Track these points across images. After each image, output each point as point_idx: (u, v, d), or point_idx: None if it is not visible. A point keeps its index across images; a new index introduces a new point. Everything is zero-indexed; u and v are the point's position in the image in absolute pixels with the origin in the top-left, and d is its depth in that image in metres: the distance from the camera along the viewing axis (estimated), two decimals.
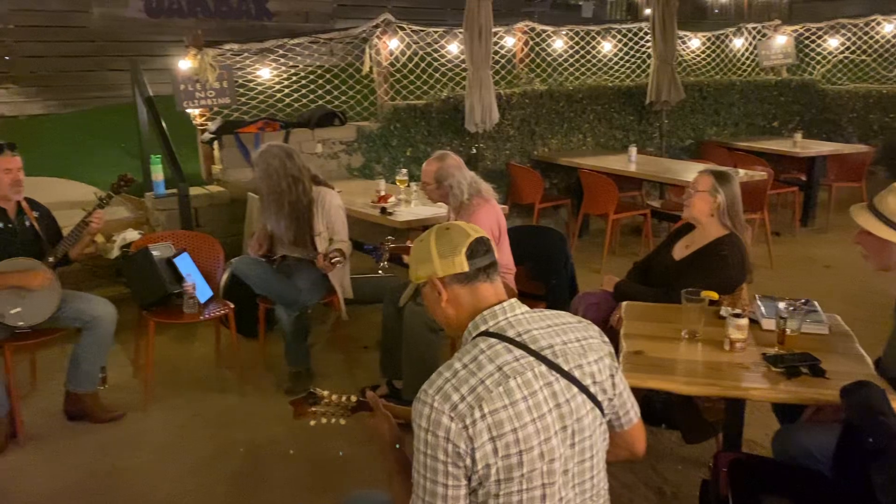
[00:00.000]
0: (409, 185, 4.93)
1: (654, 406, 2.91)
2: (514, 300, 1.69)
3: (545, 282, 3.99)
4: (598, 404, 1.63)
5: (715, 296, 2.79)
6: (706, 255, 3.14)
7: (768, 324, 2.74)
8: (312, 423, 1.94)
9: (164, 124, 5.42)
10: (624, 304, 3.05)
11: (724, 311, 2.79)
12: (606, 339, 1.74)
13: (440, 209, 4.61)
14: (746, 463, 2.28)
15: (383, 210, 4.51)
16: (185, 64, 5.56)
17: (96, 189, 6.21)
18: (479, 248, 1.69)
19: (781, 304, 2.71)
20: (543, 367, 1.57)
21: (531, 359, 1.57)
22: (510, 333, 1.61)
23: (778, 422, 2.77)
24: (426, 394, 1.54)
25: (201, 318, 3.99)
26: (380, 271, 3.53)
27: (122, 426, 3.70)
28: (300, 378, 4.04)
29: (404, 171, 5.07)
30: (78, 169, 6.87)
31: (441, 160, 3.69)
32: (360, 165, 6.28)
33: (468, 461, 1.49)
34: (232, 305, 4.06)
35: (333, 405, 1.94)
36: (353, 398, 1.95)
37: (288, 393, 3.96)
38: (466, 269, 1.66)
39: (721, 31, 8.54)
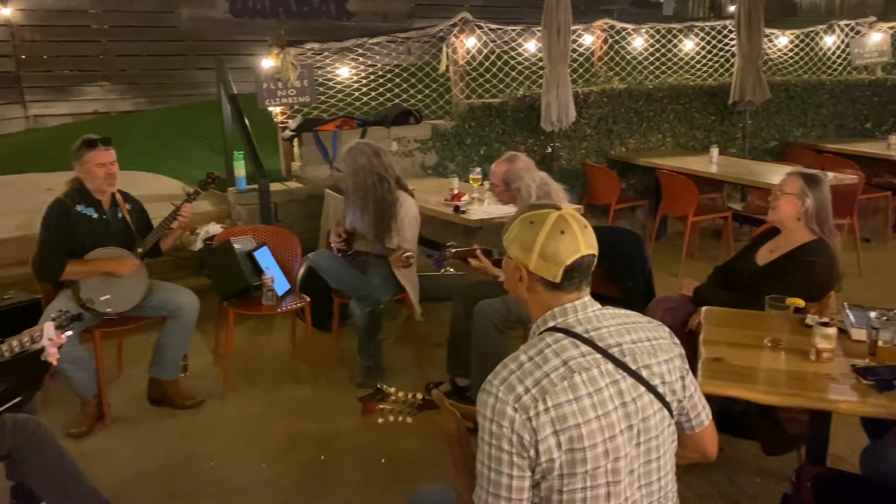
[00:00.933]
0: (482, 184, 4.92)
1: (732, 415, 2.82)
2: (587, 298, 1.67)
3: (621, 284, 3.91)
4: (666, 405, 1.60)
5: (801, 303, 2.68)
6: (792, 261, 3.02)
7: (858, 334, 2.61)
8: (380, 420, 1.95)
9: (247, 121, 5.57)
10: (703, 308, 2.96)
11: (810, 319, 2.68)
12: (677, 341, 1.70)
13: (514, 209, 4.60)
14: (832, 478, 2.19)
15: (456, 208, 4.51)
16: (267, 63, 5.70)
17: (183, 184, 6.46)
18: (582, 266, 1.63)
19: (873, 314, 2.57)
20: (610, 365, 1.55)
21: (598, 356, 1.56)
22: (578, 330, 1.60)
23: (867, 437, 2.64)
24: (491, 384, 1.55)
25: (279, 310, 4.10)
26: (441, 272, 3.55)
27: (200, 413, 3.83)
28: (372, 372, 4.09)
29: (478, 169, 5.06)
30: (165, 164, 7.15)
31: (510, 162, 3.67)
32: (433, 164, 6.31)
33: (532, 452, 1.49)
34: (308, 299, 4.15)
35: (400, 402, 1.95)
36: (420, 396, 1.96)
37: (360, 386, 4.02)
38: (559, 281, 1.63)
39: (811, 29, 8.22)
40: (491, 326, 3.47)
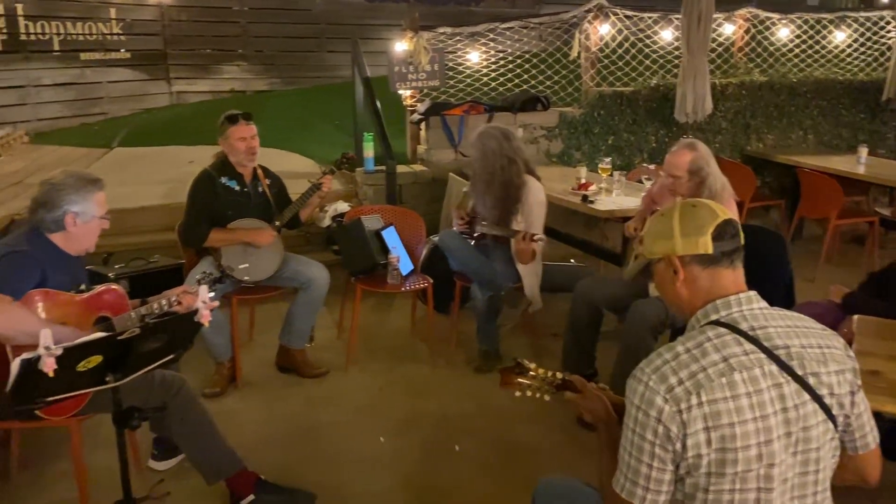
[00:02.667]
0: (611, 175, 4.80)
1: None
2: (753, 293, 1.59)
3: (757, 286, 3.70)
4: (832, 417, 1.50)
5: None
6: None
7: None
8: (518, 394, 1.95)
9: (378, 104, 5.68)
10: (856, 317, 2.77)
11: None
12: (852, 354, 1.59)
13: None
14: None
15: (585, 198, 4.43)
16: (400, 46, 5.78)
17: (313, 161, 6.68)
18: (727, 231, 1.60)
19: None
20: (774, 367, 1.47)
21: (762, 356, 1.48)
22: (743, 326, 1.52)
23: None
24: (642, 371, 1.50)
25: (403, 289, 4.17)
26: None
27: (325, 383, 3.95)
28: (489, 357, 4.09)
29: (608, 159, 4.94)
30: (296, 142, 7.41)
31: (693, 149, 3.39)
32: (558, 152, 6.22)
33: (678, 446, 1.44)
34: (431, 280, 4.19)
35: (539, 379, 1.94)
36: (560, 375, 1.93)
37: (478, 371, 4.04)
38: (710, 250, 1.58)
39: None
40: (646, 328, 3.32)
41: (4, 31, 8.42)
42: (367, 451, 3.31)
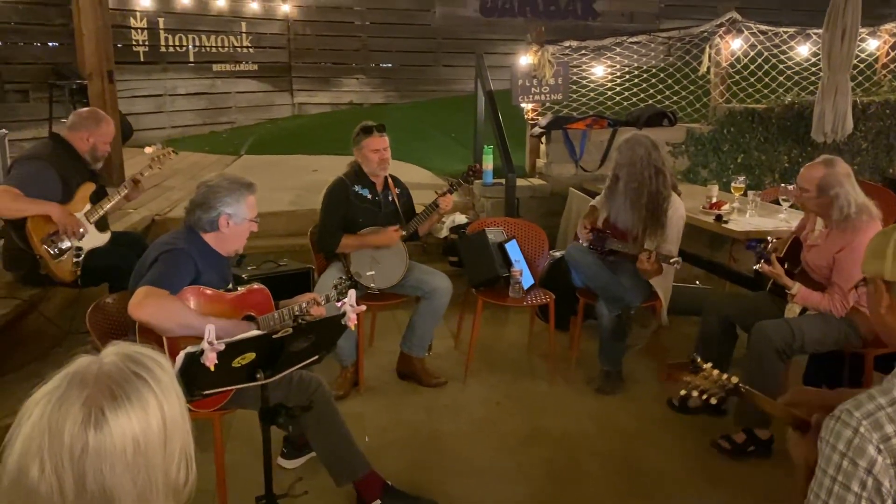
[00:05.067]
0: (745, 194, 4.61)
1: None
2: None
3: None
4: None
5: None
6: None
7: None
8: (682, 392, 1.90)
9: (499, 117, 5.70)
10: None
11: None
12: None
13: (780, 221, 4.26)
14: None
15: (719, 217, 4.26)
16: (524, 60, 5.78)
17: (431, 173, 6.78)
18: None
19: None
20: None
21: None
22: None
23: None
24: (850, 415, 1.37)
25: (525, 303, 4.14)
26: (756, 267, 3.32)
27: (444, 392, 3.97)
28: (611, 379, 3.99)
29: (741, 178, 4.75)
30: (414, 154, 7.55)
31: (829, 166, 3.26)
32: (684, 169, 6.06)
33: (888, 502, 1.31)
34: (553, 295, 4.14)
35: (710, 381, 1.87)
36: (734, 379, 1.86)
37: (599, 392, 3.95)
38: None
39: None
40: (771, 350, 3.19)
41: (147, 42, 9.01)
42: (488, 464, 3.28)
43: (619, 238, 3.95)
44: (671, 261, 3.60)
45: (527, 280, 4.24)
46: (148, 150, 4.21)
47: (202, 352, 1.98)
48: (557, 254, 4.67)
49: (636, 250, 3.78)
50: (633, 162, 3.83)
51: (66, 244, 3.64)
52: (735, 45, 6.06)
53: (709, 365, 1.89)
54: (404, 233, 3.97)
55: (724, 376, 1.86)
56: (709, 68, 6.08)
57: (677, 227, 3.85)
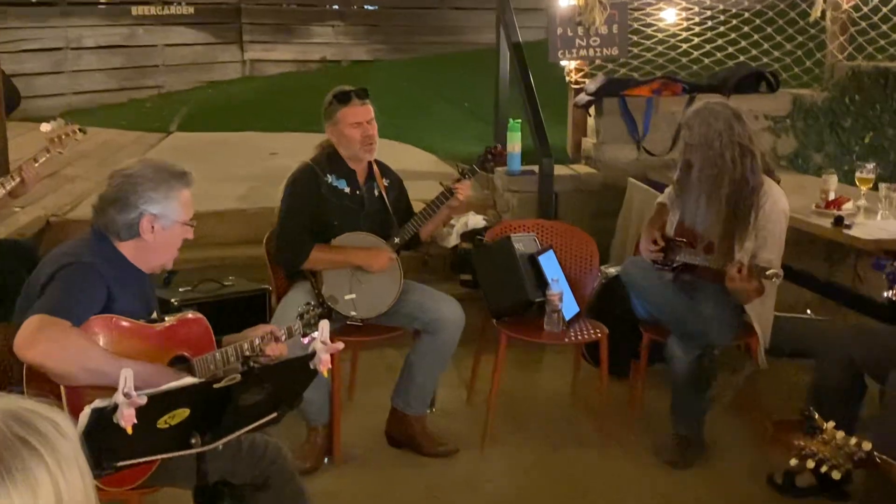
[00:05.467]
0: (875, 188, 4.59)
1: None
2: None
3: None
4: None
5: None
6: None
7: None
8: (793, 462, 1.90)
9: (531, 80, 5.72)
10: None
11: None
12: None
13: None
14: None
15: (839, 220, 4.24)
16: (565, 1, 5.80)
17: (436, 158, 6.79)
18: None
19: None
20: None
21: None
22: None
23: None
24: None
25: (565, 339, 4.14)
26: (890, 294, 3.30)
27: (453, 465, 3.97)
28: (688, 446, 3.98)
29: (871, 165, 4.73)
30: (411, 131, 7.60)
31: None
32: (790, 152, 6.08)
33: None
34: (605, 329, 4.14)
35: (833, 447, 1.86)
36: (867, 445, 1.85)
37: (670, 465, 3.94)
38: None
39: None
40: None
41: None
42: None
43: (697, 247, 3.94)
44: (767, 273, 3.58)
45: (569, 307, 4.24)
46: (45, 127, 4.22)
47: (115, 407, 1.97)
48: (612, 270, 4.66)
49: (721, 264, 3.77)
50: (709, 140, 3.83)
51: None
52: None
53: (830, 424, 1.88)
54: (397, 251, 3.98)
55: (853, 440, 1.85)
56: (823, 12, 6.07)
57: (778, 226, 3.86)
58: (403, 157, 6.67)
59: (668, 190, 4.26)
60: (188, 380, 2.14)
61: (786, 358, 4.54)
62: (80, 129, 4.18)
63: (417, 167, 6.26)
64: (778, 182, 3.99)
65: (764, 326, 3.98)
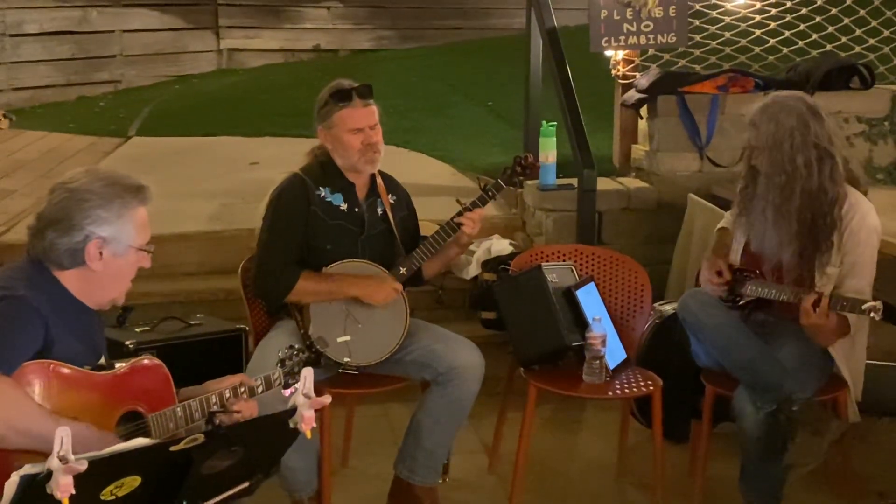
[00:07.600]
0: None
1: None
2: None
3: None
4: None
5: None
6: None
7: None
8: None
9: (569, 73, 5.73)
10: None
11: None
12: None
13: None
14: None
15: None
16: None
17: (452, 168, 6.79)
18: None
19: None
20: None
21: None
22: None
23: None
24: None
25: (609, 393, 4.12)
26: None
27: None
28: None
29: None
30: (422, 135, 7.61)
31: None
32: (889, 162, 6.09)
33: None
34: (659, 381, 4.12)
35: None
36: None
37: None
38: None
39: None
40: None
41: None
42: None
43: (769, 277, 3.94)
44: (864, 307, 3.55)
45: (615, 354, 4.24)
46: None
47: (50, 473, 1.97)
48: (668, 308, 4.65)
49: (797, 297, 3.75)
50: (778, 141, 3.82)
51: None
52: None
53: None
54: (403, 283, 3.99)
55: None
56: None
57: (868, 248, 3.85)
58: (413, 169, 6.71)
59: (730, 210, 4.25)
60: (139, 441, 2.13)
61: (887, 417, 4.50)
62: (3, 116, 4.18)
63: (430, 181, 6.28)
64: (864, 194, 3.98)
65: (854, 374, 3.97)
